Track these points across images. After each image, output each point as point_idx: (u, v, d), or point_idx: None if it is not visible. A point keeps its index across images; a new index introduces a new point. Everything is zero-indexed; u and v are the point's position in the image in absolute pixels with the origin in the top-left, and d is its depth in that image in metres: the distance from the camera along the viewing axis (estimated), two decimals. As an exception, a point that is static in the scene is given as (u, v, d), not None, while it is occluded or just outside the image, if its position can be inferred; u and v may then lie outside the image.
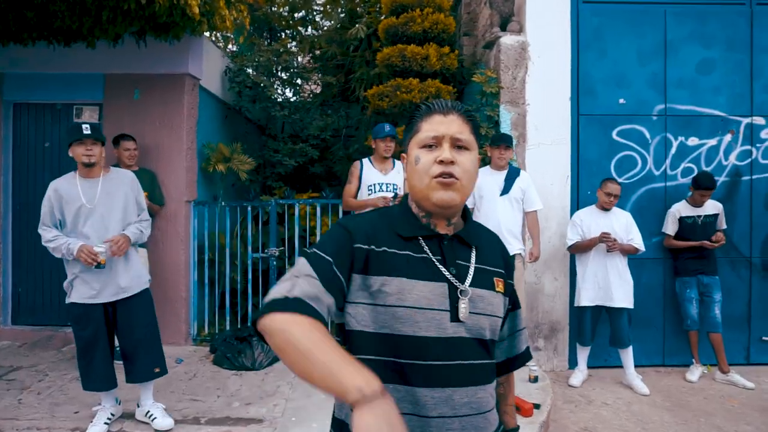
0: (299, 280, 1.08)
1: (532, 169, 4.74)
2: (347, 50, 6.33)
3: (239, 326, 5.01)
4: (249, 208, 5.01)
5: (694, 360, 4.75)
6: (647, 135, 4.94)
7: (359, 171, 4.17)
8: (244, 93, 5.82)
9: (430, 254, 1.19)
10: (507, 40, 4.75)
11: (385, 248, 1.16)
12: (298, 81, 6.71)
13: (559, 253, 4.81)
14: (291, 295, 1.04)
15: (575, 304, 4.58)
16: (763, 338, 5.04)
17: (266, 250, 4.97)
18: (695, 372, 4.70)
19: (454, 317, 1.16)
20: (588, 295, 4.45)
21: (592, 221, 4.47)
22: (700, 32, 4.94)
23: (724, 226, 4.76)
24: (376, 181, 4.11)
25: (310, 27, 7.36)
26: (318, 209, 4.98)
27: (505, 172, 4.32)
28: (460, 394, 1.14)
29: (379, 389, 0.88)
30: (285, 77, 6.46)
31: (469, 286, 1.18)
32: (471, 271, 1.21)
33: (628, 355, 4.47)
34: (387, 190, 4.10)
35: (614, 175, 4.86)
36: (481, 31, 6.43)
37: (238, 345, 4.43)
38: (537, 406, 3.49)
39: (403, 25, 4.89)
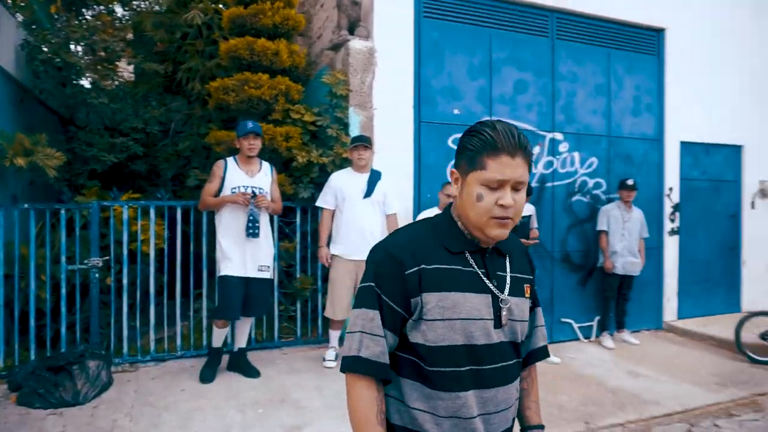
0: (366, 338, 1.24)
1: (379, 172, 4.89)
2: (176, 37, 5.74)
3: (50, 353, 4.17)
4: (63, 212, 4.20)
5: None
6: (476, 144, 5.45)
7: (222, 171, 3.81)
8: (49, 73, 4.87)
9: (476, 268, 1.29)
10: (356, 44, 4.81)
11: (436, 265, 1.25)
12: (116, 65, 5.87)
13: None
14: (360, 354, 1.24)
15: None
16: (563, 320, 5.96)
17: (85, 261, 4.23)
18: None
19: (497, 324, 1.29)
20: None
21: (434, 222, 4.77)
22: (517, 57, 5.65)
23: (536, 226, 5.50)
24: (242, 183, 3.81)
25: (124, 6, 6.47)
26: (152, 212, 4.41)
27: (367, 175, 4.37)
28: (502, 392, 1.30)
29: None
30: (101, 58, 5.58)
31: (507, 295, 1.31)
32: (508, 281, 1.34)
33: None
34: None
35: (450, 179, 5.27)
36: (317, 33, 6.42)
37: (52, 377, 3.68)
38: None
39: (252, 17, 4.61)
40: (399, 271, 1.24)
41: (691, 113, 6.75)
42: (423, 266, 1.24)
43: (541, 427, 1.44)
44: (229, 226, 3.87)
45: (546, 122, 5.83)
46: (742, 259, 7.23)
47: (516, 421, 1.41)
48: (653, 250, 6.39)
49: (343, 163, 4.67)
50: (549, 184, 5.89)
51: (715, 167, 7.05)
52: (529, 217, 5.38)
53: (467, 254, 1.29)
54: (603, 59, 6.15)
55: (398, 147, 5.01)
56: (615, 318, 6.00)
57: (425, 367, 1.25)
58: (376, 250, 1.31)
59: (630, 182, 5.75)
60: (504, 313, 1.29)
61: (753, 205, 7.31)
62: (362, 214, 4.31)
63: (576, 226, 6.09)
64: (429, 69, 5.18)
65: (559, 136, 5.91)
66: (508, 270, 1.35)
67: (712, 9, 6.91)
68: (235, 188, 3.81)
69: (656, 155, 6.59)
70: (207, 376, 3.94)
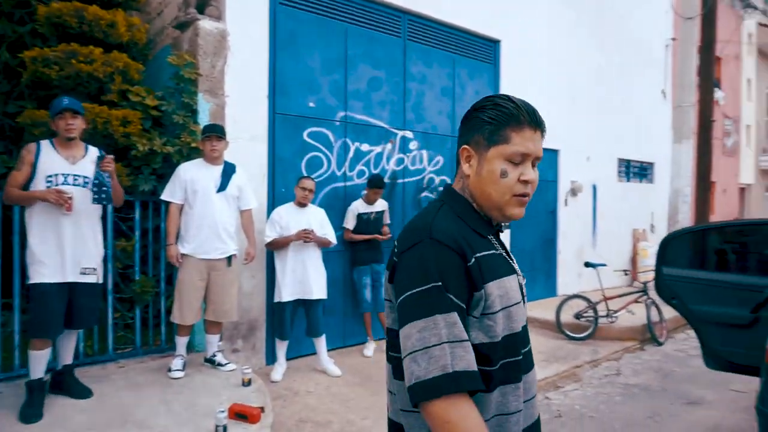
0: (456, 348, 1.03)
1: (232, 164, 4.57)
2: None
3: None
4: None
5: (368, 337, 5.47)
6: (332, 138, 5.41)
7: (33, 156, 3.15)
8: None
9: (500, 249, 1.23)
10: (206, 24, 4.42)
11: (483, 252, 1.15)
12: None
13: (256, 250, 4.78)
14: (457, 369, 1.01)
15: (275, 300, 4.64)
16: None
17: None
18: (370, 347, 5.42)
19: (523, 305, 1.23)
20: (288, 290, 4.57)
21: (290, 218, 4.61)
22: (372, 54, 5.71)
23: (389, 221, 5.63)
24: (61, 171, 3.19)
25: None
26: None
27: (221, 167, 4.04)
28: (534, 374, 1.25)
29: None
30: None
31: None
32: (514, 259, 1.30)
33: (322, 343, 4.80)
34: (76, 183, 3.22)
35: (305, 173, 5.13)
36: (156, 8, 5.80)
37: None
38: (262, 410, 3.40)
39: (81, -22, 3.95)
40: (462, 264, 1.08)
41: (520, 119, 7.48)
42: (477, 255, 1.11)
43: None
44: (42, 224, 3.23)
45: (398, 120, 6.00)
46: (558, 250, 8.27)
47: None
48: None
49: (192, 153, 4.27)
50: (400, 181, 6.08)
51: (540, 169, 7.92)
52: (383, 212, 5.50)
53: (491, 236, 1.22)
54: (449, 64, 6.52)
55: (252, 138, 4.74)
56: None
57: (492, 368, 1.10)
58: (422, 243, 1.09)
59: (471, 180, 6.17)
60: (524, 292, 1.26)
61: (566, 203, 8.40)
62: (215, 209, 4.00)
63: (424, 221, 6.37)
64: (285, 59, 4.98)
65: (409, 134, 6.12)
66: (509, 249, 1.31)
67: (538, 26, 7.75)
68: (50, 177, 3.18)
69: (492, 156, 7.19)
70: (30, 415, 3.16)
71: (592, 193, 8.91)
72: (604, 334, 6.31)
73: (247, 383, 3.88)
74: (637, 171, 10.27)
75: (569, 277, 8.44)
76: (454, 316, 1.04)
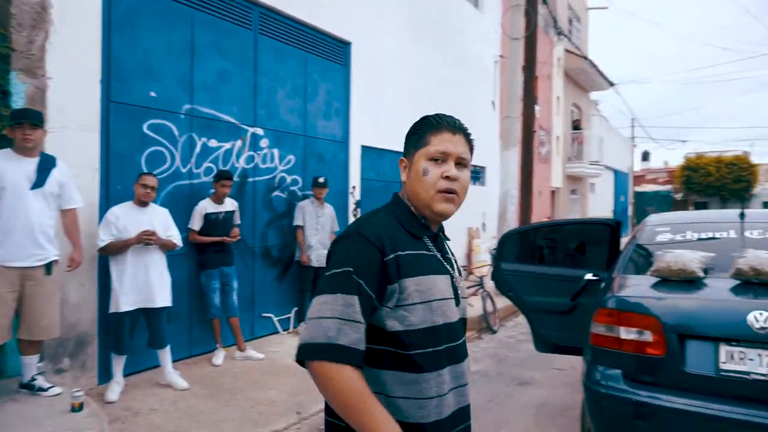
0: (344, 326, 1.17)
1: (55, 157, 3.95)
2: None
3: None
4: None
5: (217, 345, 5.15)
6: (176, 132, 4.98)
7: None
8: None
9: (435, 251, 1.36)
10: (21, -8, 3.76)
11: (409, 251, 1.28)
12: None
13: (86, 255, 4.20)
14: (339, 342, 1.16)
15: (111, 311, 4.14)
16: (263, 314, 6.01)
17: None
18: (219, 356, 5.12)
19: (457, 303, 1.37)
20: (127, 299, 4.11)
21: (128, 219, 4.15)
22: (220, 44, 5.38)
23: (239, 222, 5.37)
24: None
25: None
26: None
27: (36, 160, 3.45)
28: (464, 365, 1.38)
29: None
30: None
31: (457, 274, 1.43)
32: (454, 262, 1.45)
33: (166, 355, 4.40)
34: None
35: (145, 170, 4.66)
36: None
37: None
38: (99, 437, 3.00)
39: None
40: (378, 258, 1.23)
41: (370, 121, 7.69)
42: (399, 253, 1.26)
43: None
44: None
45: (248, 116, 5.75)
46: (404, 248, 8.65)
47: None
48: (341, 242, 7.03)
49: (2, 142, 3.61)
50: (250, 179, 5.83)
51: (386, 169, 8.22)
52: (233, 212, 5.23)
53: (425, 238, 1.36)
54: (301, 62, 6.43)
55: (81, 128, 4.15)
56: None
57: (408, 352, 1.24)
58: (350, 236, 1.27)
59: (321, 180, 6.17)
60: (459, 291, 1.39)
61: (411, 203, 8.82)
62: (30, 209, 3.42)
63: (275, 221, 6.21)
64: (122, 41, 4.45)
65: (260, 131, 5.90)
66: (450, 252, 1.45)
67: (386, 33, 8.02)
68: None
69: (343, 156, 7.27)
70: None
71: (433, 194, 9.48)
72: (447, 326, 6.76)
73: (77, 408, 3.40)
74: (472, 174, 11.19)
75: (414, 274, 8.88)
76: (354, 299, 1.19)
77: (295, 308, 6.33)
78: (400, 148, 6.82)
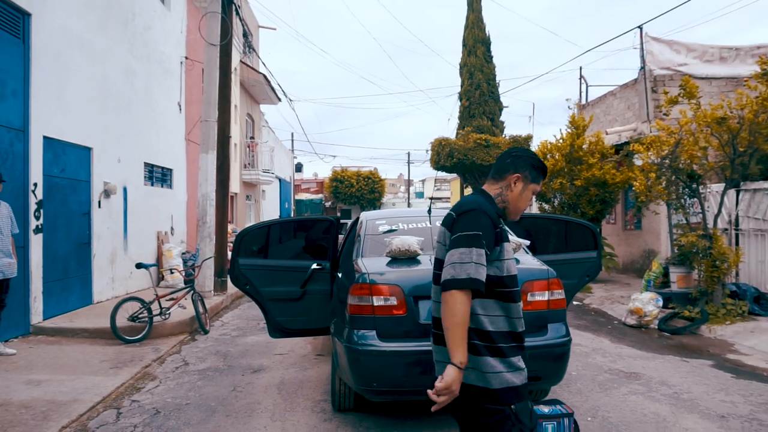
0: (479, 268, 1.81)
1: None
2: None
3: None
4: None
5: None
6: None
7: None
8: None
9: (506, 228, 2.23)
10: None
11: (501, 227, 1.96)
12: None
13: None
14: (476, 278, 1.79)
15: None
16: None
17: None
18: None
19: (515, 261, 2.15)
20: None
21: None
22: None
23: None
24: None
25: None
26: None
27: None
28: (521, 302, 2.08)
29: (465, 363, 1.76)
30: None
31: None
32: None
33: None
34: None
35: None
36: None
37: None
38: None
39: None
40: (494, 228, 1.91)
41: (55, 109, 6.68)
42: (500, 227, 1.95)
43: None
44: None
45: None
46: (93, 254, 7.75)
47: None
48: (20, 249, 5.90)
49: None
50: None
51: (72, 166, 7.24)
52: None
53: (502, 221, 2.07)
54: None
55: None
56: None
57: (504, 289, 1.95)
58: (476, 211, 1.90)
59: (-3, 173, 5.13)
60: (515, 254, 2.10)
61: (99, 204, 7.96)
62: None
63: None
64: None
65: None
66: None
67: (73, 11, 7.08)
68: None
69: (21, 147, 6.12)
70: None
71: (123, 195, 8.76)
72: (159, 332, 6.47)
73: None
74: (159, 176, 10.70)
75: (104, 281, 8.04)
76: (482, 252, 1.82)
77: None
78: (89, 141, 6.82)
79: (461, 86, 21.83)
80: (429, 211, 4.49)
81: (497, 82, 21.54)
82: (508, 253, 2.00)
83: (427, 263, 3.70)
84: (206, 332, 6.84)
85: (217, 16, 9.01)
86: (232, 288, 9.79)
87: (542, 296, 3.54)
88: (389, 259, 3.81)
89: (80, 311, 7.11)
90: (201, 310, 6.90)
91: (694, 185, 7.25)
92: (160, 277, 9.66)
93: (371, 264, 3.78)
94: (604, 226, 13.24)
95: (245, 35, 15.00)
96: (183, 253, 10.79)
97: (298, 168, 42.10)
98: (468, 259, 1.79)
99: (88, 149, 7.65)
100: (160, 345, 6.09)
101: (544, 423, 3.22)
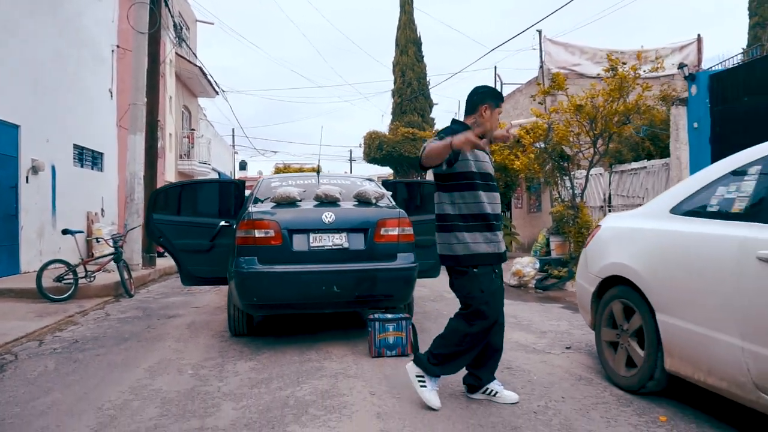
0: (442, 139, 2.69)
1: None
2: None
3: None
4: None
5: None
6: None
7: None
8: None
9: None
10: None
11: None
12: None
13: None
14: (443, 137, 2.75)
15: None
16: None
17: None
18: None
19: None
20: None
21: None
22: None
23: None
24: None
25: None
26: None
27: None
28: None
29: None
30: None
31: None
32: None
33: None
34: None
35: None
36: None
37: None
38: None
39: None
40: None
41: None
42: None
43: None
44: None
45: None
46: (21, 225, 8.16)
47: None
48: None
49: None
50: None
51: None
52: None
53: None
54: None
55: None
56: None
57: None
58: (447, 129, 2.92)
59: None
60: None
61: (27, 180, 8.37)
62: None
63: None
64: None
65: None
66: None
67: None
68: None
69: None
70: None
71: (51, 173, 9.16)
72: (84, 293, 7.02)
73: None
74: (89, 159, 11.07)
75: (33, 253, 8.45)
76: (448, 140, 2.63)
77: None
78: (17, 119, 7.73)
79: (394, 84, 22.94)
80: (318, 171, 5.36)
81: (428, 80, 22.76)
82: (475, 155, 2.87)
83: (304, 206, 4.55)
84: (131, 296, 7.42)
85: (145, 6, 9.54)
86: (161, 264, 10.33)
87: (393, 231, 4.47)
88: (274, 204, 4.64)
89: (7, 278, 7.53)
90: (126, 276, 7.46)
91: (565, 164, 8.47)
92: (90, 254, 10.08)
93: (257, 207, 4.60)
94: (513, 210, 14.56)
95: (176, 27, 15.40)
96: (113, 234, 11.19)
97: (243, 166, 42.18)
98: (439, 138, 2.82)
99: (16, 126, 8.06)
100: (84, 303, 6.65)
101: (386, 324, 4.16)
